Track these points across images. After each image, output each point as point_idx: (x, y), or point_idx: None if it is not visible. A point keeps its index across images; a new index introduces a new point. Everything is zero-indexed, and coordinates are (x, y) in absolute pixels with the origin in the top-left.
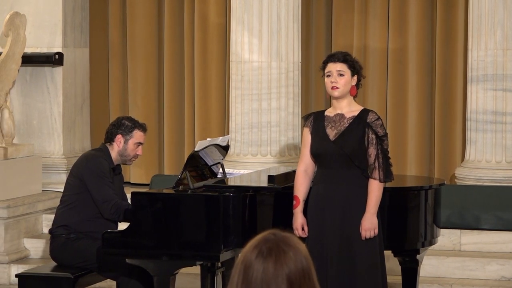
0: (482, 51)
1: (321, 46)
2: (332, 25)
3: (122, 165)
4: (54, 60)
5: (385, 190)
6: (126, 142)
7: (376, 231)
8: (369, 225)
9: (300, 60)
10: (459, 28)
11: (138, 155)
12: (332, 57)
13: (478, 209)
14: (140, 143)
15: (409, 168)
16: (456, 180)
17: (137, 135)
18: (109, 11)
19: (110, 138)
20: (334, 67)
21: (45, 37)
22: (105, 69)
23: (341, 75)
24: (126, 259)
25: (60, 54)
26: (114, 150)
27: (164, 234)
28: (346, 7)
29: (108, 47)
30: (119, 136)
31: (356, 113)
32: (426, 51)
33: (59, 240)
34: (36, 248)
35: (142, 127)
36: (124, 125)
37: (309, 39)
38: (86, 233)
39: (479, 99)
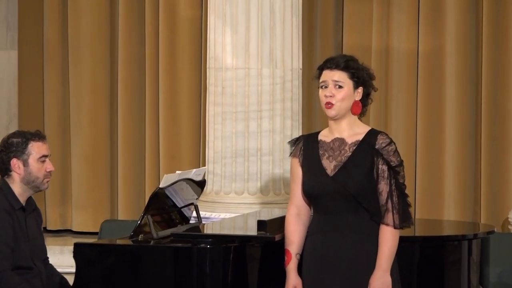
0: None
1: (329, 48)
2: (343, 20)
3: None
4: None
5: (415, 240)
6: (25, 163)
7: None
8: (380, 285)
9: (300, 67)
10: (511, 25)
11: (49, 172)
12: (329, 63)
13: None
14: (44, 156)
15: (447, 211)
16: (510, 227)
17: (35, 147)
18: (45, 2)
19: (4, 169)
20: (330, 76)
21: None
22: (39, 78)
23: (339, 87)
24: None
25: None
26: (16, 181)
27: None
28: None
29: (43, 49)
30: (14, 161)
31: (360, 137)
32: (469, 55)
33: None
34: None
35: (38, 136)
36: (14, 144)
37: (312, 38)
38: None
39: None
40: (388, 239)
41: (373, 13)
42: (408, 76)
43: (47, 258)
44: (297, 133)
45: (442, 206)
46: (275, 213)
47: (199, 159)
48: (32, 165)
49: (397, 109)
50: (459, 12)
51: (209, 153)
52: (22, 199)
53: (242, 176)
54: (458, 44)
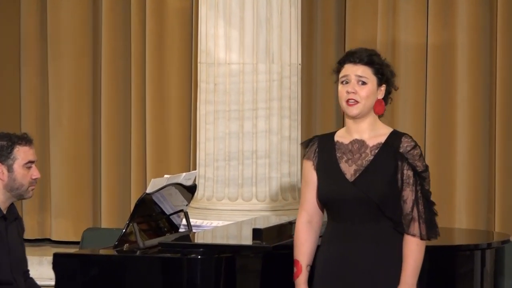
0: None
1: (330, 42)
2: (346, 11)
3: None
4: None
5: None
6: (10, 169)
7: None
8: None
9: (299, 62)
10: None
11: (35, 179)
12: (352, 56)
13: None
14: (30, 162)
15: (459, 218)
16: None
17: (22, 152)
18: None
19: None
20: (354, 71)
21: None
22: (16, 73)
23: (362, 83)
24: None
25: None
26: None
27: None
28: None
29: (20, 42)
30: None
31: (383, 139)
32: (482, 47)
33: None
34: None
35: (25, 139)
36: None
37: (312, 31)
38: None
39: None
40: (414, 251)
41: (378, 3)
42: (417, 71)
43: (28, 270)
44: (296, 133)
45: (453, 213)
46: (272, 220)
47: (189, 162)
48: (17, 171)
49: (404, 107)
50: (471, 1)
51: (200, 156)
52: (4, 207)
53: (236, 181)
54: (471, 36)
